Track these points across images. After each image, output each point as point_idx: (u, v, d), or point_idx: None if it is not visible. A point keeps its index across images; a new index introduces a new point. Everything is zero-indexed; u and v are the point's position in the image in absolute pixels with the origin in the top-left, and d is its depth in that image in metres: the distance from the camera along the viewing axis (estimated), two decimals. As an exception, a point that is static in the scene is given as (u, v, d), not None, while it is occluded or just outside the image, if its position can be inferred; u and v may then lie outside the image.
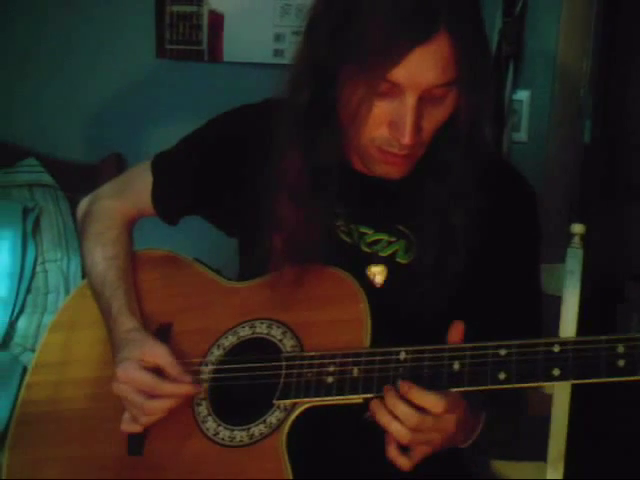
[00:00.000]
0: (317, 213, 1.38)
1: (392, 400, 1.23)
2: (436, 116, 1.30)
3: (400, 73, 1.24)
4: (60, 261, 2.47)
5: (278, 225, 1.39)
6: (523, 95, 2.41)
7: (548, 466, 1.66)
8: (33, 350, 2.23)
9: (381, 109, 1.28)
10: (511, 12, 2.34)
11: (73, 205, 2.54)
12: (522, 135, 2.42)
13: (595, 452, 2.50)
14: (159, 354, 1.39)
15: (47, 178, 2.58)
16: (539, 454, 1.67)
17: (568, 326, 1.65)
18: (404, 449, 1.26)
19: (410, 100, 1.26)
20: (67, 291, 2.40)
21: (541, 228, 1.48)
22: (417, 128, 1.28)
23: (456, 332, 1.27)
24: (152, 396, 1.37)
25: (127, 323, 1.46)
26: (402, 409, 1.22)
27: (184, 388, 1.37)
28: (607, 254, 2.80)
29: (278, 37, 2.51)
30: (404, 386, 1.23)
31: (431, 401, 1.22)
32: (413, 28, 1.22)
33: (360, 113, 1.28)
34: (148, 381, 1.37)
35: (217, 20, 2.55)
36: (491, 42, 2.25)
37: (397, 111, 1.27)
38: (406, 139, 1.27)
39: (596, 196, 2.84)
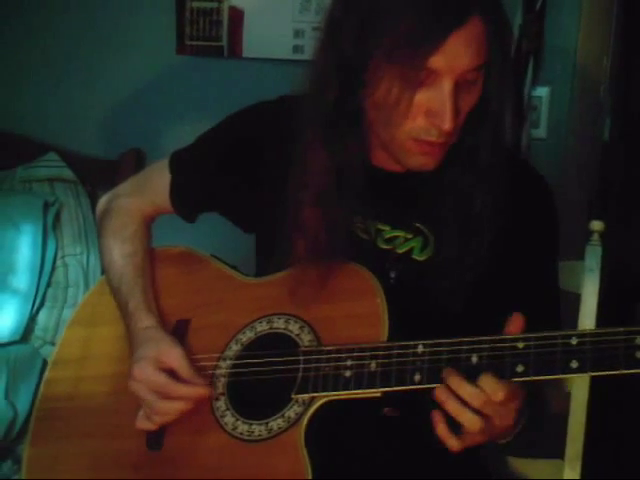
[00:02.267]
0: (341, 212, 1.38)
1: (456, 382, 1.22)
2: (469, 100, 1.31)
3: (439, 59, 1.24)
4: (80, 255, 2.48)
5: (300, 223, 1.39)
6: (543, 91, 2.40)
7: (566, 464, 1.66)
8: (53, 343, 2.25)
9: (418, 98, 1.28)
10: (531, 8, 2.33)
11: (93, 200, 2.55)
12: (541, 132, 2.42)
13: (613, 451, 2.49)
14: (174, 356, 1.40)
15: (68, 173, 2.59)
16: (557, 452, 1.67)
17: (587, 323, 1.64)
18: (455, 430, 1.24)
19: (448, 85, 1.26)
20: (87, 285, 2.42)
21: (559, 227, 1.48)
22: (456, 113, 1.28)
23: (514, 324, 1.24)
24: (165, 397, 1.38)
25: (144, 320, 1.47)
26: (467, 389, 1.21)
27: (196, 391, 1.38)
28: (626, 252, 2.78)
29: (298, 33, 2.51)
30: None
31: (494, 387, 1.20)
32: (449, 13, 1.23)
33: (400, 106, 1.27)
34: (162, 382, 1.38)
35: (237, 16, 2.55)
36: (511, 38, 2.24)
37: (435, 98, 1.28)
38: (447, 125, 1.27)
39: (615, 194, 2.83)
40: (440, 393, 1.23)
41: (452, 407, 1.22)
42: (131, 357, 1.43)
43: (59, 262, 2.45)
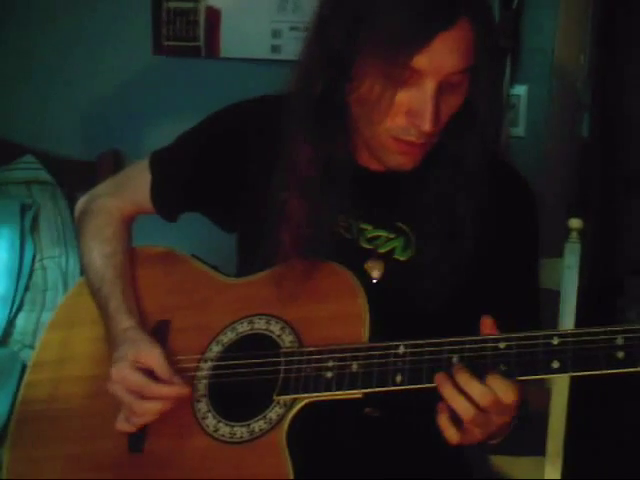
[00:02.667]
0: (325, 207, 1.38)
1: (465, 377, 1.19)
2: (451, 103, 1.31)
3: (423, 60, 1.25)
4: (58, 258, 2.47)
5: (285, 220, 1.39)
6: (521, 90, 2.41)
7: (546, 461, 1.67)
8: (32, 347, 2.23)
9: (399, 97, 1.28)
10: (508, 6, 2.34)
11: (71, 202, 2.54)
12: (520, 130, 2.42)
13: (594, 447, 2.50)
14: (152, 356, 1.39)
15: (45, 175, 2.58)
16: (537, 449, 1.68)
17: (566, 320, 1.65)
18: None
19: (430, 86, 1.27)
20: (65, 288, 2.41)
21: (539, 229, 1.48)
22: (437, 115, 1.28)
23: (486, 326, 1.24)
24: (143, 397, 1.37)
25: (124, 321, 1.46)
26: (477, 387, 1.18)
27: (175, 390, 1.36)
28: (606, 248, 2.80)
29: (275, 33, 2.51)
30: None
31: (505, 389, 1.18)
32: (437, 14, 1.23)
33: (382, 103, 1.28)
34: (139, 382, 1.37)
35: (214, 16, 2.55)
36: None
37: (417, 98, 1.28)
38: (427, 126, 1.28)
39: (595, 190, 2.84)
40: (440, 377, 1.21)
41: (446, 391, 1.20)
42: (110, 358, 1.43)
43: (37, 265, 2.44)
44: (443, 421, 1.22)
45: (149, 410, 1.37)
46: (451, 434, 1.22)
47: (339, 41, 1.28)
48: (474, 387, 1.19)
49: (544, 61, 2.41)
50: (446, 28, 1.24)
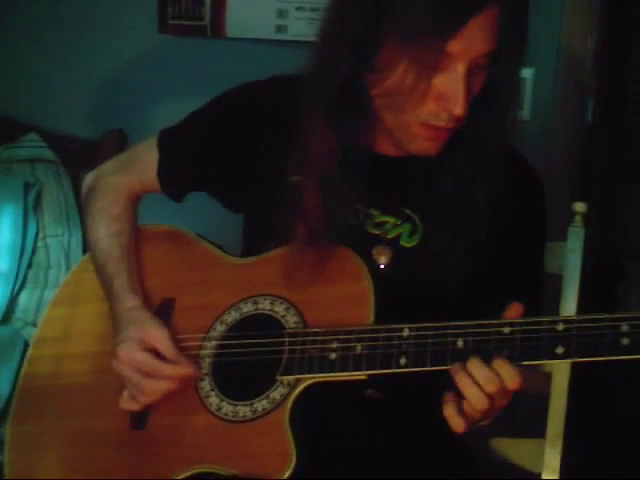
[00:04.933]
0: (343, 198, 1.38)
1: (475, 363, 1.21)
2: (476, 86, 1.31)
3: (457, 44, 1.24)
4: (61, 236, 2.47)
5: (299, 207, 1.38)
6: (526, 73, 2.40)
7: (547, 443, 1.67)
8: (34, 325, 2.24)
9: (431, 83, 1.28)
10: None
11: (74, 180, 2.54)
12: (525, 113, 2.41)
13: (594, 430, 2.51)
14: (158, 337, 1.40)
15: (49, 153, 2.57)
16: (538, 431, 1.68)
17: (568, 304, 1.65)
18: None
19: (462, 70, 1.27)
20: (68, 266, 2.41)
21: (546, 216, 1.48)
22: (468, 98, 1.28)
23: (513, 311, 1.24)
24: (150, 376, 1.38)
25: (129, 301, 1.46)
26: (484, 373, 1.20)
27: (182, 370, 1.38)
28: (609, 233, 2.80)
29: (281, 13, 2.50)
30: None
31: (512, 375, 1.20)
32: None
33: (416, 91, 1.27)
34: (147, 362, 1.38)
35: (220, -5, 2.53)
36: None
37: (448, 83, 1.27)
38: (459, 109, 1.28)
39: (598, 175, 2.84)
40: (454, 368, 1.22)
41: (461, 381, 1.21)
42: (115, 337, 1.43)
43: (40, 243, 2.44)
44: (450, 410, 1.22)
45: (156, 389, 1.38)
46: (457, 423, 1.23)
47: (362, 28, 1.27)
48: (482, 373, 1.20)
49: (550, 44, 2.40)
50: (478, 11, 1.23)
